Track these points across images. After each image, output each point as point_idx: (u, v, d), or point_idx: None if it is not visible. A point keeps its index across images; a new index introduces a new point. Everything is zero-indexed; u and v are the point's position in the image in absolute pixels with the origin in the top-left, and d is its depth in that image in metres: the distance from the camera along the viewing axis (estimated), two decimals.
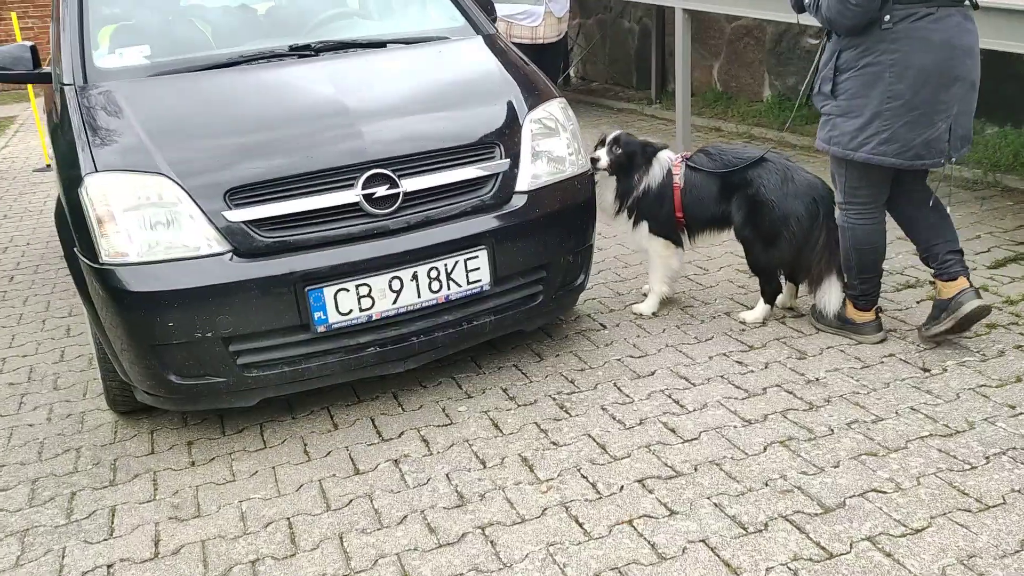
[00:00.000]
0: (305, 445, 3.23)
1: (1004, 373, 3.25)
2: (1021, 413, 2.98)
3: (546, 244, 3.45)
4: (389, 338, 3.22)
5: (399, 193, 3.17)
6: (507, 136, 3.45)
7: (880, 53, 3.09)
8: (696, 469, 2.84)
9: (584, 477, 2.85)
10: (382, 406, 3.46)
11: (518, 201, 3.39)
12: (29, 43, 3.88)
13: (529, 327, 3.66)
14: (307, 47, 3.76)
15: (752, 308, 3.96)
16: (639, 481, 2.80)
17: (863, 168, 3.28)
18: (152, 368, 3.03)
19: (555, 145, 3.58)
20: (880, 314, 3.62)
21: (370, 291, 3.11)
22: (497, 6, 5.43)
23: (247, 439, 3.31)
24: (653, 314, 4.09)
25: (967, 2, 3.13)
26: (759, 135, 7.58)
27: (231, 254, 3.00)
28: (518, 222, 3.36)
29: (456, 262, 3.22)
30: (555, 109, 3.65)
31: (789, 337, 3.73)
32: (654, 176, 3.91)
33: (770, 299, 3.92)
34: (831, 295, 3.67)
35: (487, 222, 3.30)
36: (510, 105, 3.56)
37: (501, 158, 3.39)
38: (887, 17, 3.05)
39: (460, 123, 3.43)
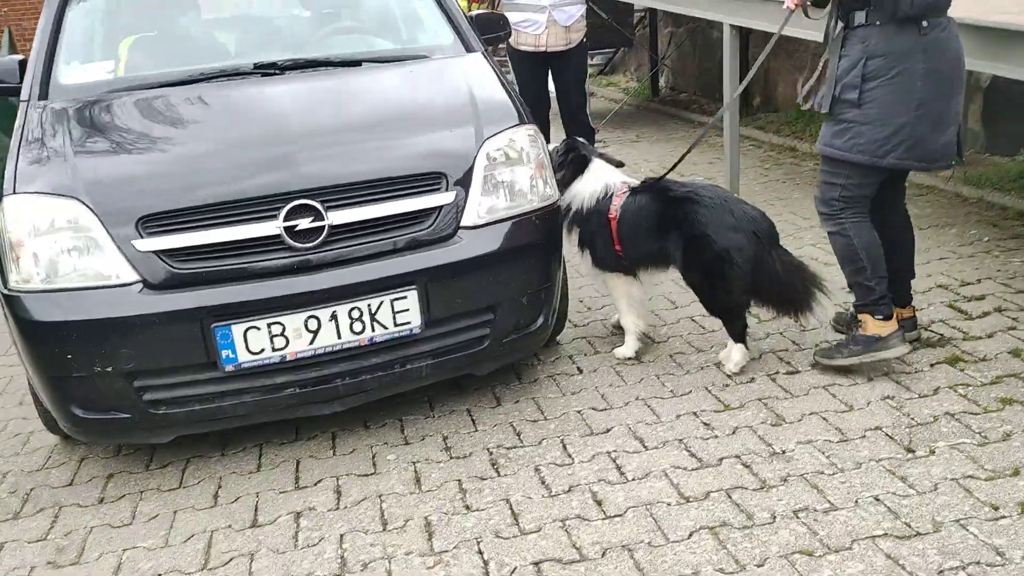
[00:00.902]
0: (219, 487, 3.06)
1: (1001, 463, 2.77)
2: (1003, 517, 2.50)
3: (493, 284, 3.17)
4: (309, 379, 3.01)
5: (324, 226, 2.96)
6: (457, 165, 3.18)
7: (915, 62, 3.10)
8: (604, 554, 2.51)
9: (480, 553, 2.57)
10: (315, 447, 3.27)
11: (463, 237, 3.12)
12: (19, 57, 3.87)
13: (479, 371, 3.38)
14: (273, 65, 3.61)
15: (731, 350, 3.57)
16: (536, 564, 2.50)
17: (871, 171, 3.25)
18: (56, 399, 2.93)
19: (516, 176, 3.29)
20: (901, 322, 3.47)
21: (284, 330, 2.91)
22: (508, 14, 5.35)
23: (167, 475, 3.17)
24: (636, 357, 3.74)
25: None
26: None
27: (141, 285, 2.86)
28: (459, 260, 3.09)
29: (381, 302, 2.98)
30: (520, 137, 3.36)
31: (773, 398, 3.32)
32: (586, 195, 3.69)
33: (740, 338, 3.54)
34: (823, 312, 3.42)
35: (421, 259, 3.04)
36: (467, 132, 3.29)
37: (446, 190, 3.13)
38: (925, 23, 3.08)
39: (405, 151, 3.18)
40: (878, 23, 3.10)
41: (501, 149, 3.29)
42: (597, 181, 3.73)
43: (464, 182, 3.17)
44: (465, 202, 3.15)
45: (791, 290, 3.41)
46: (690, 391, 3.44)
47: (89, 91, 3.46)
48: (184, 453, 3.29)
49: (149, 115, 3.31)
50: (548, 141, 6.33)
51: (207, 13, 4.34)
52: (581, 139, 4.10)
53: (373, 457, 3.16)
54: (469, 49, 3.88)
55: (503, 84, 3.62)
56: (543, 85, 6.10)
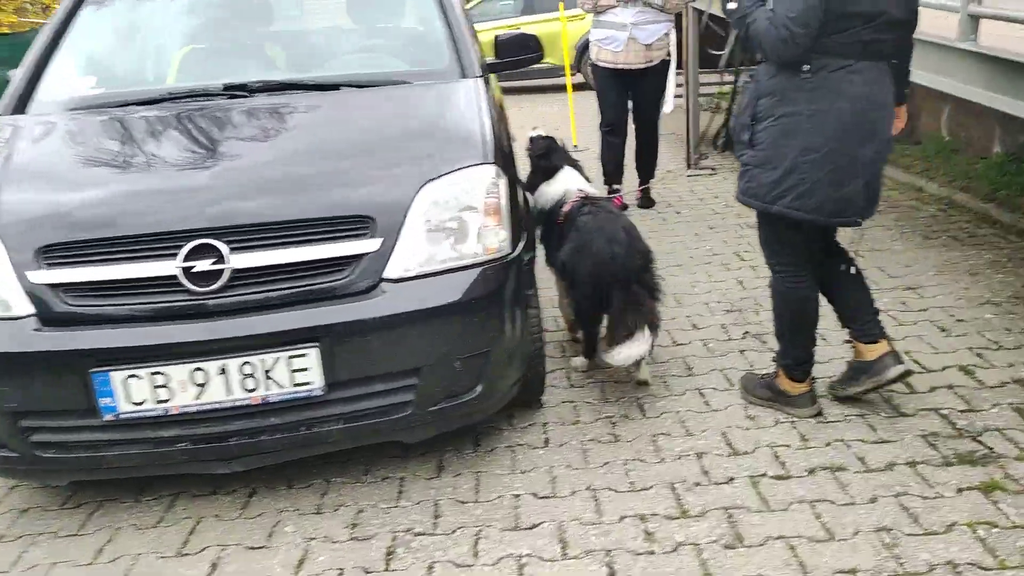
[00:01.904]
0: (108, 540, 2.85)
1: None
2: None
3: (417, 346, 2.79)
4: (201, 435, 2.74)
5: (225, 270, 2.68)
6: (389, 209, 2.83)
7: (798, 103, 2.93)
8: None
9: None
10: (224, 505, 3.01)
11: (385, 290, 2.77)
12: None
13: (408, 439, 3.02)
14: (243, 87, 3.39)
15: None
16: None
17: (781, 224, 3.10)
18: None
19: (462, 223, 2.90)
20: (813, 384, 3.36)
21: (168, 381, 2.65)
22: (594, 30, 5.94)
23: (70, 518, 3.00)
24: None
25: (894, 59, 2.99)
26: (961, 203, 6.10)
27: (35, 319, 2.69)
28: (374, 317, 2.73)
29: (277, 359, 2.67)
30: (474, 179, 2.96)
31: (743, 509, 2.77)
32: (548, 198, 3.91)
33: (584, 352, 3.82)
34: (630, 348, 3.30)
35: (329, 314, 2.71)
36: (409, 171, 2.92)
37: (371, 236, 2.78)
38: (806, 67, 2.90)
39: (331, 190, 2.86)
40: (766, 61, 3.01)
41: (446, 192, 2.91)
42: (559, 186, 3.91)
43: (396, 228, 2.81)
44: (393, 251, 2.79)
45: (617, 324, 3.39)
46: (652, 486, 2.93)
47: (53, 108, 3.36)
48: (100, 495, 3.11)
49: (83, 138, 3.17)
50: (622, 155, 6.26)
51: (226, 29, 4.16)
52: (558, 143, 4.20)
53: (274, 526, 2.87)
54: (464, 75, 3.51)
55: (483, 116, 3.22)
56: (622, 99, 6.12)
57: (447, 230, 2.88)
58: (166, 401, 2.67)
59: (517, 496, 2.94)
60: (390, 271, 2.78)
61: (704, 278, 4.87)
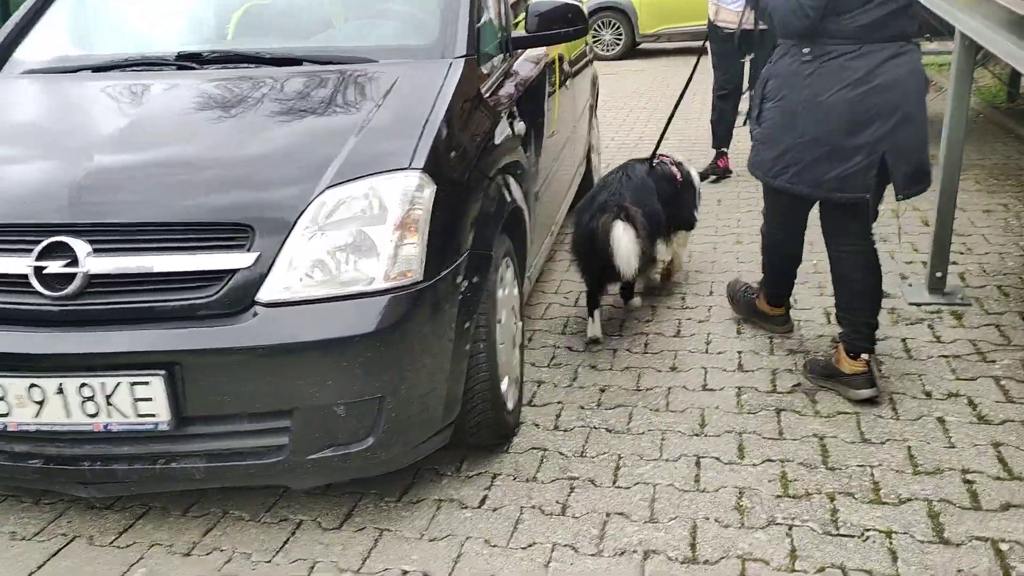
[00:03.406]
0: None
1: None
2: None
3: (289, 384, 2.33)
4: (52, 456, 2.43)
5: (79, 274, 2.33)
6: (274, 217, 2.37)
7: (795, 88, 3.04)
8: None
9: None
10: (105, 526, 2.72)
11: (258, 314, 2.32)
12: None
13: (295, 486, 2.60)
14: (197, 55, 3.02)
15: None
16: None
17: (782, 196, 3.28)
18: None
19: (364, 240, 2.39)
20: (789, 311, 3.75)
21: (4, 394, 2.35)
22: None
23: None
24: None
25: (908, 39, 2.99)
26: None
27: None
28: (238, 346, 2.30)
29: (118, 384, 2.30)
30: (390, 187, 2.44)
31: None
32: None
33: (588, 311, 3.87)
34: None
35: (182, 338, 2.30)
36: (309, 173, 2.44)
37: (248, 249, 2.33)
38: (806, 50, 2.99)
39: (212, 191, 2.43)
40: (777, 44, 3.14)
41: (349, 201, 2.41)
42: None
43: (278, 242, 2.35)
44: (271, 268, 2.34)
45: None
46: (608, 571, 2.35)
47: (12, 71, 3.14)
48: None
49: (13, 108, 2.90)
50: (734, 121, 5.98)
51: None
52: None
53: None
54: (444, 55, 2.96)
55: (433, 109, 2.67)
56: (739, 63, 5.88)
57: (344, 247, 2.38)
58: (4, 416, 2.37)
59: (405, 574, 2.44)
60: (266, 292, 2.33)
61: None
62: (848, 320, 3.26)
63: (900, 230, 4.99)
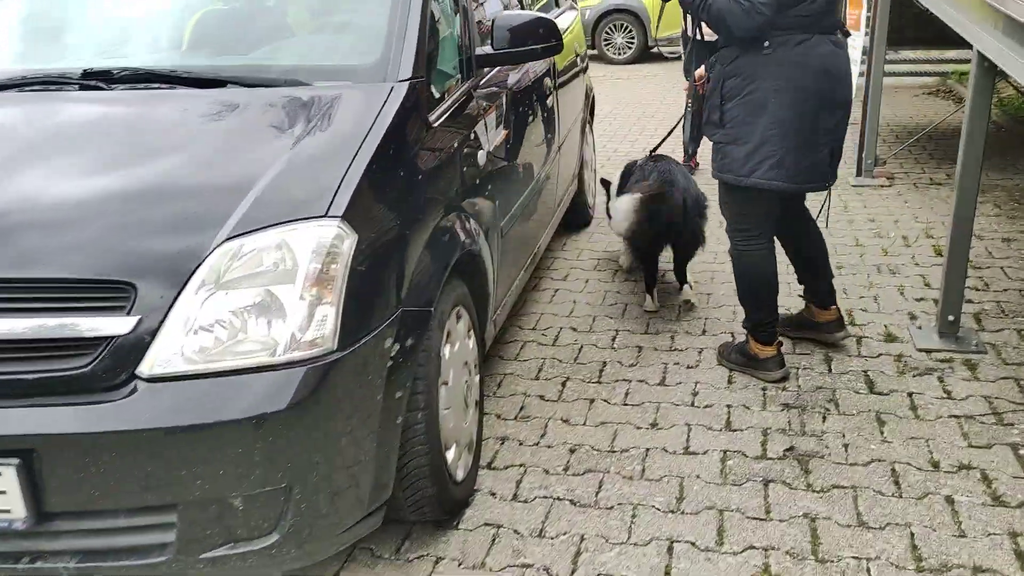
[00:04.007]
0: None
1: None
2: None
3: (174, 474, 1.98)
4: None
5: None
6: (161, 276, 2.02)
7: (763, 79, 3.07)
8: None
9: None
10: None
11: (138, 390, 1.97)
12: None
13: None
14: (107, 73, 2.67)
15: None
16: None
17: (751, 194, 3.24)
18: None
19: (271, 303, 2.04)
20: (780, 348, 3.48)
21: None
22: None
23: None
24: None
25: (839, 32, 3.17)
26: None
27: None
28: (110, 430, 1.94)
29: None
30: (302, 240, 2.08)
31: None
32: None
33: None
34: None
35: (40, 419, 1.94)
36: (207, 222, 2.09)
37: (127, 312, 1.98)
38: (767, 43, 3.05)
39: (91, 243, 2.08)
40: (726, 45, 3.15)
41: (252, 256, 2.06)
42: None
43: (166, 303, 2.00)
44: (156, 335, 1.98)
45: None
46: None
47: None
48: None
49: None
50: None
51: None
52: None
53: None
54: (386, 78, 2.60)
55: (361, 146, 2.31)
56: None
57: (245, 310, 2.03)
58: None
59: None
60: (149, 364, 1.98)
61: None
62: (821, 287, 3.60)
63: (912, 259, 4.60)
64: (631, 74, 12.00)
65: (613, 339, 3.91)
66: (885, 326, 3.89)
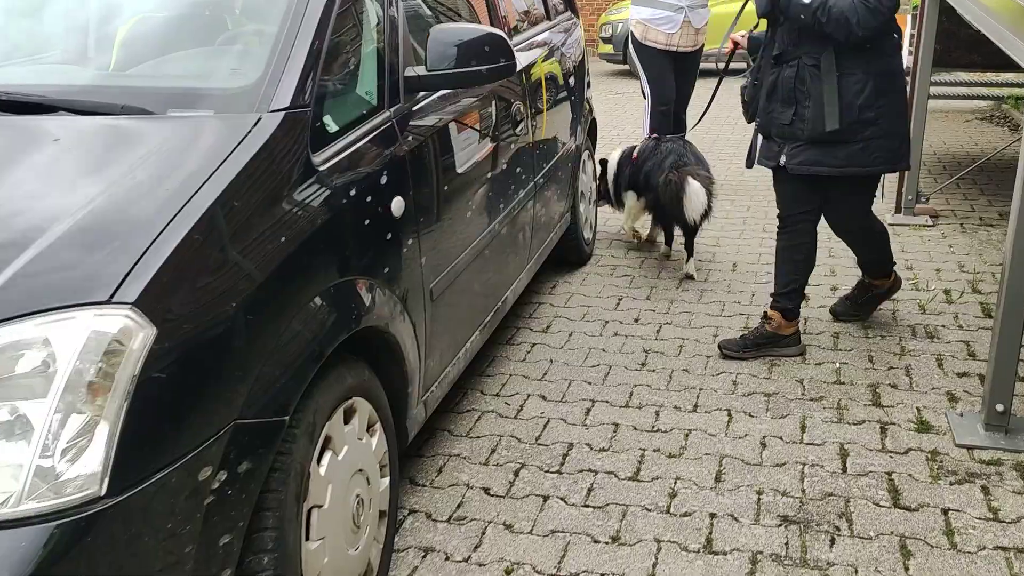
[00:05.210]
0: None
1: None
2: None
3: None
4: None
5: None
6: None
7: (898, 76, 3.33)
8: None
9: None
10: None
11: None
12: None
13: None
14: None
15: None
16: None
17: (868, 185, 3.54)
18: None
19: (17, 423, 1.45)
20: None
21: None
22: (638, 8, 5.74)
23: None
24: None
25: None
26: None
27: None
28: None
29: None
30: (62, 334, 1.48)
31: None
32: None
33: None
34: None
35: None
36: None
37: None
38: (891, 45, 3.31)
39: None
40: (868, 47, 3.26)
41: None
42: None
43: None
44: None
45: None
46: None
47: None
48: None
49: None
50: (683, 131, 5.83)
51: None
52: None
53: None
54: (258, 107, 2.00)
55: (199, 199, 1.71)
56: (673, 80, 5.96)
57: None
58: None
59: None
60: None
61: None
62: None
63: (956, 319, 3.90)
64: None
65: (587, 413, 3.28)
66: (918, 409, 3.20)
